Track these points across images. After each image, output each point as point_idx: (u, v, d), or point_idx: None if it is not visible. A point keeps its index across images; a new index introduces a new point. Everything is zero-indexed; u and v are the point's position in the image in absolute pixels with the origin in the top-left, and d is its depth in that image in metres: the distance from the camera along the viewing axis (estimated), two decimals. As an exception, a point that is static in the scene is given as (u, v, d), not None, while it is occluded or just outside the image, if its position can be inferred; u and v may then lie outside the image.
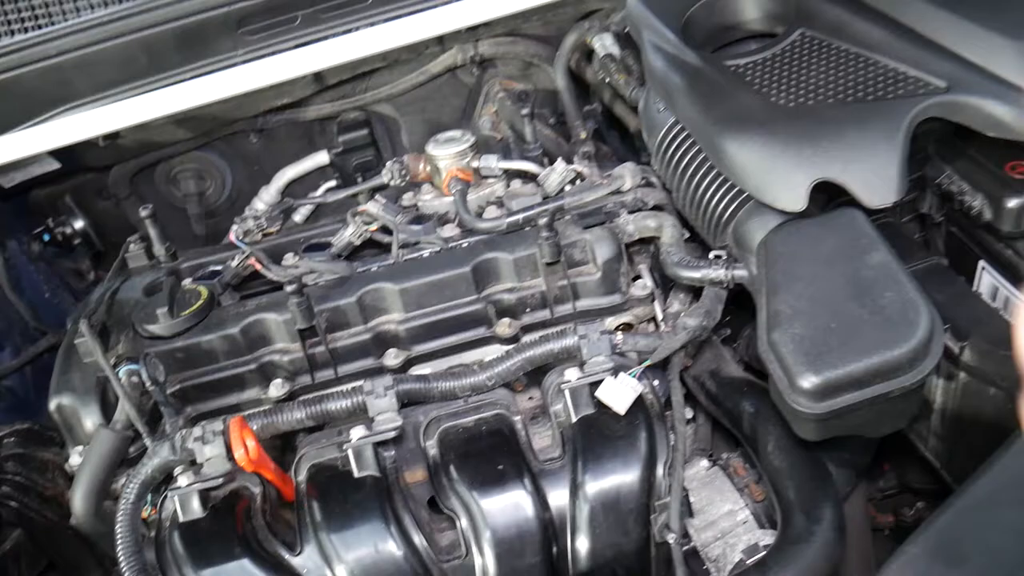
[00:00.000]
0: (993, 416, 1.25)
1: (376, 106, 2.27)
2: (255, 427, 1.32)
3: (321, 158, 2.28)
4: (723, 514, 1.40)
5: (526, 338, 1.47)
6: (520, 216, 1.53)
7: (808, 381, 1.12)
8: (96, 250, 2.13)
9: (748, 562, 1.30)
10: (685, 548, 1.31)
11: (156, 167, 2.24)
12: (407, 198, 1.76)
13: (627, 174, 1.58)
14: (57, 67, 1.86)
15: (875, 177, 1.25)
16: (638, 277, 1.58)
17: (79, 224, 2.07)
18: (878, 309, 1.16)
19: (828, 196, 1.32)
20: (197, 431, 1.29)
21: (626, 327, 1.52)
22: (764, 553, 1.25)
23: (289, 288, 1.41)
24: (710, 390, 1.49)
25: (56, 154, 1.95)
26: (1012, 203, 1.29)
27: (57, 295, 1.96)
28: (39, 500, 1.45)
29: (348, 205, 1.80)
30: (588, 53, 2.09)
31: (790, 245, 1.26)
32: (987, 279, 1.38)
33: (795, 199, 1.27)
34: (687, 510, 1.30)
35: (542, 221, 1.44)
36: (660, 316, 1.55)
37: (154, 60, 1.90)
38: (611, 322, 1.51)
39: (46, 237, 1.98)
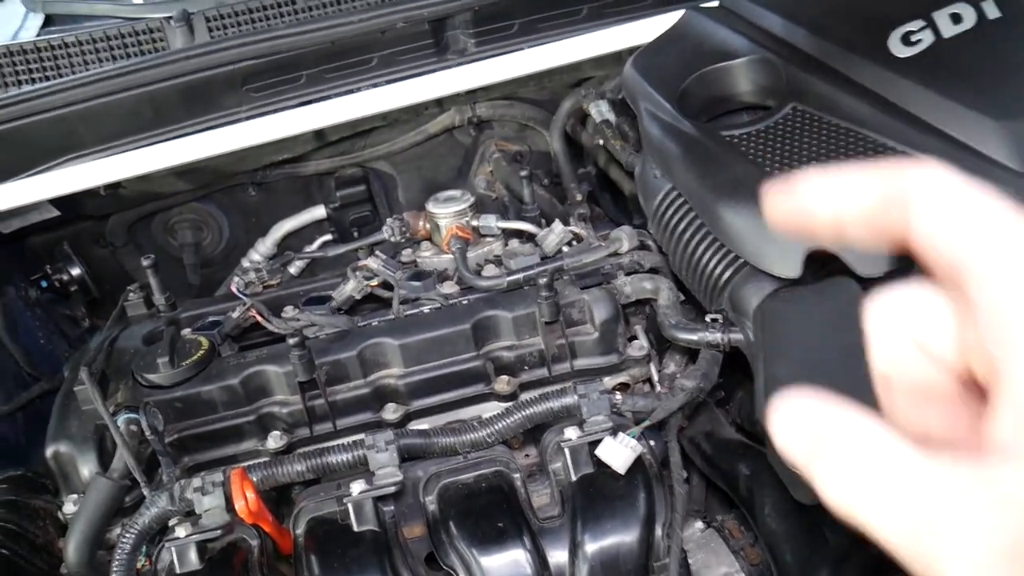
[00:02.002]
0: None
1: (374, 163, 2.33)
2: (255, 479, 1.32)
3: (318, 212, 2.31)
4: (718, 576, 1.41)
5: (525, 396, 1.49)
6: (520, 275, 1.57)
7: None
8: (92, 297, 2.13)
9: (743, 624, 1.31)
10: (681, 609, 1.32)
11: (154, 217, 2.26)
12: (406, 254, 1.79)
13: (624, 237, 1.63)
14: (62, 118, 1.89)
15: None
16: (634, 337, 1.61)
17: (76, 271, 2.07)
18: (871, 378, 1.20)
19: (822, 263, 1.37)
20: (196, 482, 1.29)
21: (623, 387, 1.55)
22: (760, 615, 1.27)
23: (291, 341, 1.42)
24: (705, 451, 1.51)
25: (56, 202, 1.97)
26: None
27: (51, 341, 1.96)
28: (29, 548, 1.43)
29: (345, 260, 1.83)
30: (583, 118, 2.16)
31: (787, 311, 1.28)
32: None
33: (790, 266, 1.31)
34: (686, 572, 1.31)
35: (542, 281, 1.48)
36: (656, 377, 1.58)
37: (159, 114, 1.93)
38: (608, 382, 1.54)
39: (44, 284, 1.99)
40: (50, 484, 1.53)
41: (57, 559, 1.46)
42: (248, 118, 1.95)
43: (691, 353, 1.58)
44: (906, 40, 1.48)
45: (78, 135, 1.92)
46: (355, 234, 2.30)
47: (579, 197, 2.00)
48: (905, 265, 1.31)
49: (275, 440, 1.47)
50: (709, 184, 1.44)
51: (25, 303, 1.92)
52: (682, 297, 1.59)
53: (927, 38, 1.47)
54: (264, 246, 2.29)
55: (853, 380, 1.17)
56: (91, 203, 2.07)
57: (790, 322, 1.33)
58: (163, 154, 1.92)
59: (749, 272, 1.39)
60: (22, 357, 1.84)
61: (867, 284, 1.33)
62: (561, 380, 1.54)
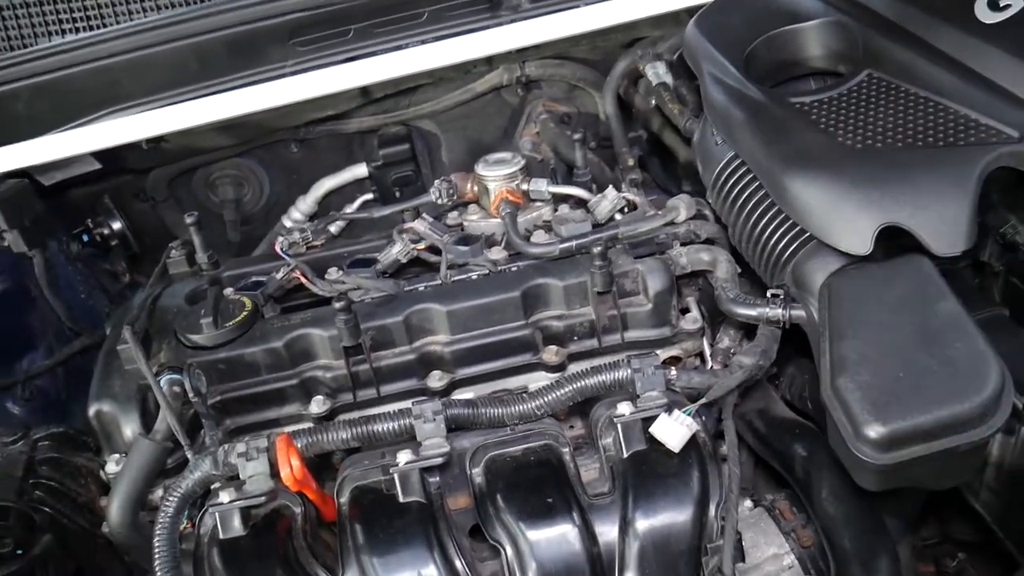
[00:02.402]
0: (1057, 473, 1.22)
1: (418, 121, 2.27)
2: (299, 445, 1.29)
3: (360, 171, 2.27)
4: (768, 558, 1.36)
5: (575, 367, 1.45)
6: (573, 243, 1.51)
7: (875, 431, 1.10)
8: (132, 252, 2.11)
9: (795, 610, 1.27)
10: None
11: (196, 172, 2.23)
12: (452, 217, 1.74)
13: (682, 205, 1.56)
14: (107, 68, 1.86)
15: (944, 224, 1.23)
16: (686, 310, 1.56)
17: (117, 225, 2.05)
18: (947, 360, 1.14)
19: (891, 241, 1.30)
20: (241, 447, 1.26)
21: (674, 360, 1.50)
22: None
23: (337, 304, 1.39)
24: (758, 430, 1.46)
25: (98, 155, 1.94)
26: (1080, 257, 1.27)
27: (92, 296, 1.95)
28: (71, 506, 1.43)
29: (389, 222, 1.79)
30: (636, 79, 2.08)
31: (856, 289, 1.24)
32: (1049, 332, 1.35)
33: (861, 242, 1.25)
34: (740, 554, 1.27)
35: (596, 250, 1.42)
36: (708, 351, 1.53)
37: (204, 66, 1.89)
38: (660, 355, 1.48)
39: (85, 238, 1.97)
40: (92, 442, 1.53)
41: (99, 518, 1.46)
42: (293, 73, 1.91)
43: (746, 328, 1.52)
44: (994, 5, 1.39)
45: (121, 87, 1.89)
46: (397, 194, 2.26)
47: (631, 162, 1.93)
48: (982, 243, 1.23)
49: (318, 405, 1.44)
50: (776, 153, 1.37)
51: (67, 257, 1.91)
52: (739, 269, 1.53)
53: (1017, 3, 1.37)
54: (305, 204, 2.26)
55: (933, 362, 1.11)
56: (133, 157, 2.04)
57: (860, 301, 1.27)
58: (207, 108, 1.88)
59: (815, 247, 1.32)
60: (63, 311, 1.82)
61: (942, 263, 1.28)
62: (611, 352, 1.49)
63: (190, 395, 1.34)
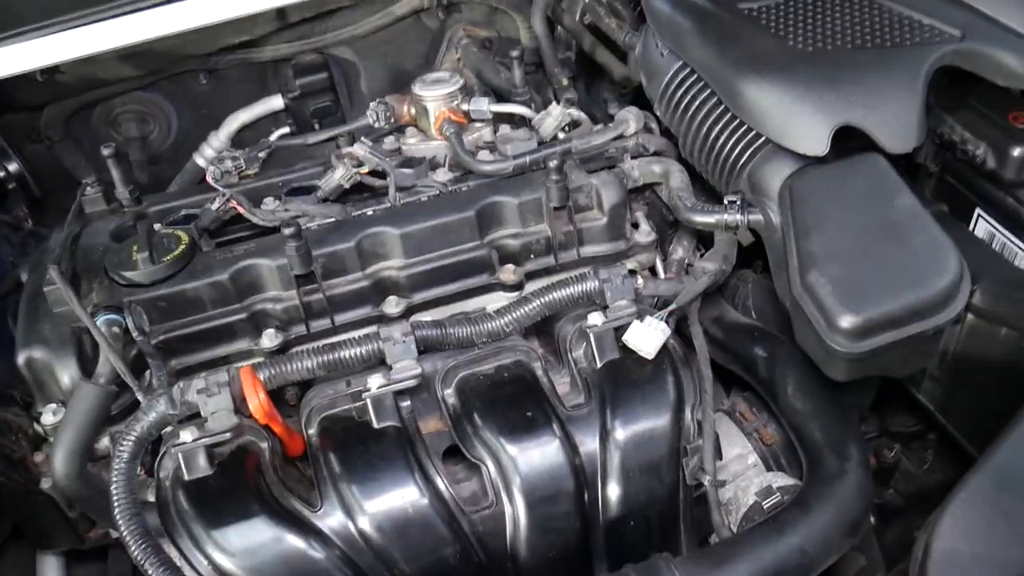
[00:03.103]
0: (1002, 357, 1.29)
1: (335, 49, 2.16)
2: (262, 377, 1.23)
3: (275, 103, 2.15)
4: (732, 458, 1.40)
5: (532, 285, 1.43)
6: (527, 158, 1.48)
7: (848, 321, 1.13)
8: (32, 196, 1.94)
9: (764, 504, 1.31)
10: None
11: (95, 107, 2.06)
12: (389, 141, 1.67)
13: (631, 118, 1.55)
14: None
15: (896, 123, 1.27)
16: (636, 225, 1.56)
17: (13, 167, 1.88)
18: (910, 251, 1.18)
19: (844, 142, 1.32)
20: (199, 383, 1.19)
21: (630, 274, 1.50)
22: (792, 492, 1.26)
23: (287, 230, 1.31)
24: (716, 336, 1.48)
25: (-13, 89, 1.77)
26: (1017, 152, 1.33)
27: (-8, 245, 1.78)
28: (5, 463, 1.31)
29: (322, 149, 1.70)
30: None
31: (817, 188, 1.26)
32: (983, 226, 1.42)
33: (817, 143, 1.27)
34: (718, 452, 1.30)
35: (552, 163, 1.39)
36: (660, 265, 1.54)
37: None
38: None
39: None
40: (18, 396, 1.41)
41: (34, 474, 1.36)
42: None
43: (700, 237, 1.54)
44: (930, -96, 1.42)
45: (8, 8, 1.71)
46: (316, 126, 2.16)
47: (565, 81, 1.90)
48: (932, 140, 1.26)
49: (270, 338, 1.37)
50: (729, 59, 1.37)
51: (-46, 206, 1.73)
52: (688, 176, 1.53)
53: (951, -98, 1.41)
54: (217, 140, 2.12)
55: (897, 252, 1.14)
56: (24, 90, 1.87)
57: (822, 199, 1.29)
58: (106, 33, 1.72)
59: (771, 150, 1.34)
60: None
61: (895, 160, 1.31)
62: (568, 268, 1.48)
63: (133, 334, 1.25)
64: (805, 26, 1.38)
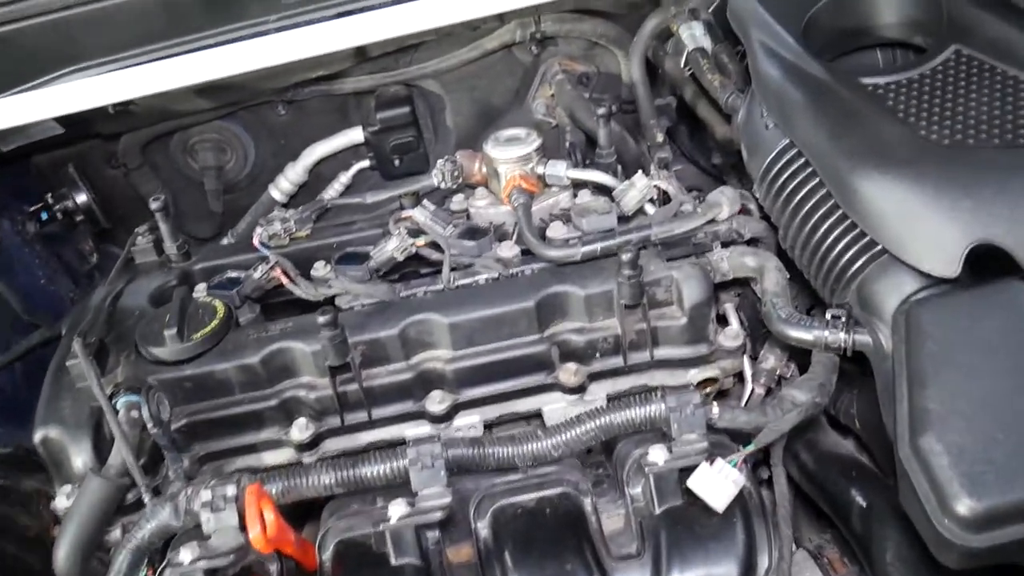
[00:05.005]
0: None
1: (420, 81, 2.03)
2: (274, 492, 1.11)
3: (355, 135, 2.03)
4: (815, 616, 1.19)
5: (596, 387, 1.26)
6: (598, 245, 1.30)
7: (967, 507, 0.90)
8: (100, 228, 1.90)
9: None
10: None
11: (172, 135, 2.01)
12: (457, 201, 1.52)
13: (724, 201, 1.34)
14: (64, 22, 1.61)
15: (1050, 244, 1.02)
16: (724, 319, 1.36)
17: (82, 198, 1.83)
18: (1056, 419, 0.94)
19: (981, 262, 1.08)
20: (206, 494, 1.07)
21: (710, 382, 1.30)
22: None
23: (321, 319, 1.18)
24: (806, 464, 1.27)
25: (60, 119, 1.72)
26: None
27: (54, 280, 1.74)
28: (19, 543, 1.25)
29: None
30: (666, 38, 1.83)
31: (942, 323, 1.03)
32: None
33: (947, 262, 1.04)
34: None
35: (624, 256, 1.21)
36: (749, 372, 1.33)
37: (175, 21, 1.65)
38: (694, 375, 1.29)
39: (44, 216, 1.75)
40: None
41: (51, 550, 1.28)
42: (279, 30, 1.66)
43: (794, 347, 1.32)
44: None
45: (81, 43, 1.65)
46: (396, 162, 2.04)
47: (660, 137, 1.70)
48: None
49: (300, 430, 1.25)
50: (844, 146, 1.15)
51: (23, 239, 1.69)
52: (787, 275, 1.32)
53: None
54: (294, 172, 2.03)
55: None
56: (100, 121, 1.82)
57: (947, 338, 1.05)
58: (179, 70, 1.64)
59: (888, 262, 1.11)
60: (19, 302, 1.62)
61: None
62: (638, 371, 1.30)
63: (148, 424, 1.15)
64: (942, 111, 1.14)
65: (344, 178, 2.00)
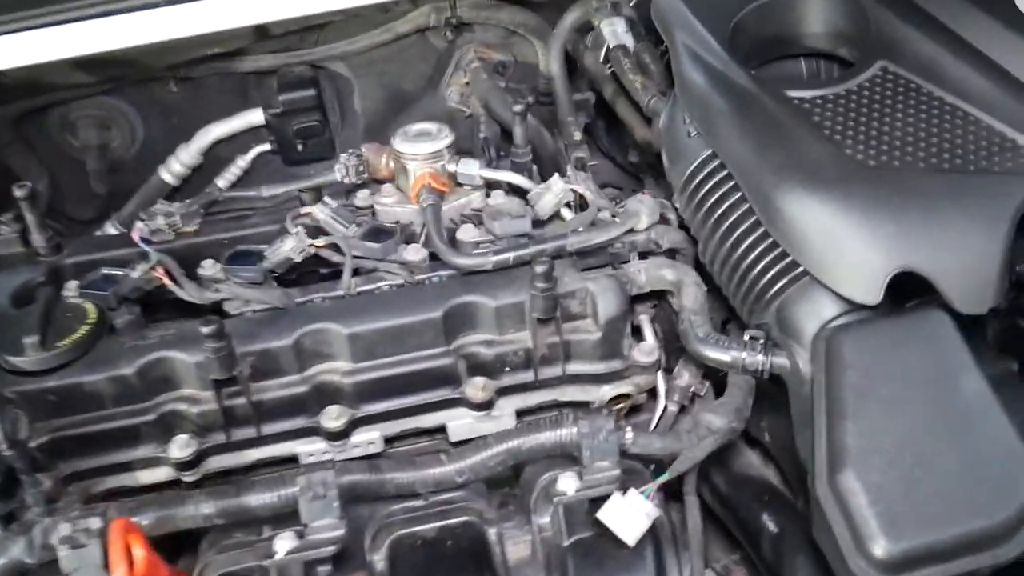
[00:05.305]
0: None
1: (327, 63, 1.91)
2: (145, 523, 1.00)
3: (255, 117, 1.89)
4: (722, 644, 1.16)
5: (504, 403, 1.18)
6: (511, 255, 1.22)
7: (883, 549, 0.88)
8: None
9: None
10: None
11: (49, 110, 1.83)
12: (362, 197, 1.42)
13: (643, 211, 1.28)
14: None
15: (971, 276, 1.00)
16: (637, 330, 1.31)
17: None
18: (973, 457, 0.92)
19: (901, 286, 1.05)
20: (65, 527, 0.96)
21: (622, 398, 1.24)
22: None
23: (205, 329, 1.07)
24: (718, 488, 1.24)
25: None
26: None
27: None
28: None
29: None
30: (586, 31, 1.76)
31: (863, 353, 0.99)
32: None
33: (869, 289, 1.01)
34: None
35: (539, 268, 1.14)
36: (663, 388, 1.28)
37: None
38: (607, 391, 1.23)
39: None
40: None
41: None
42: (169, 3, 1.52)
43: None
44: (1042, -9, 1.14)
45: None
46: (299, 147, 1.92)
47: (577, 135, 1.63)
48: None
49: (180, 447, 1.14)
50: (770, 161, 1.10)
51: None
52: (705, 288, 1.27)
53: (1071, -8, 1.12)
54: (187, 153, 1.88)
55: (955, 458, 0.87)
56: (-40, 91, 1.64)
57: (867, 369, 1.02)
58: (53, 42, 1.48)
59: (809, 284, 1.07)
60: None
61: (964, 321, 1.04)
62: (549, 386, 1.23)
63: (1, 445, 1.02)
64: (868, 129, 1.10)
65: (242, 162, 1.86)
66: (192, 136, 1.87)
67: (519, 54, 1.97)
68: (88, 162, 1.88)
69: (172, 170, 1.88)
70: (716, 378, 1.27)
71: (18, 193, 1.30)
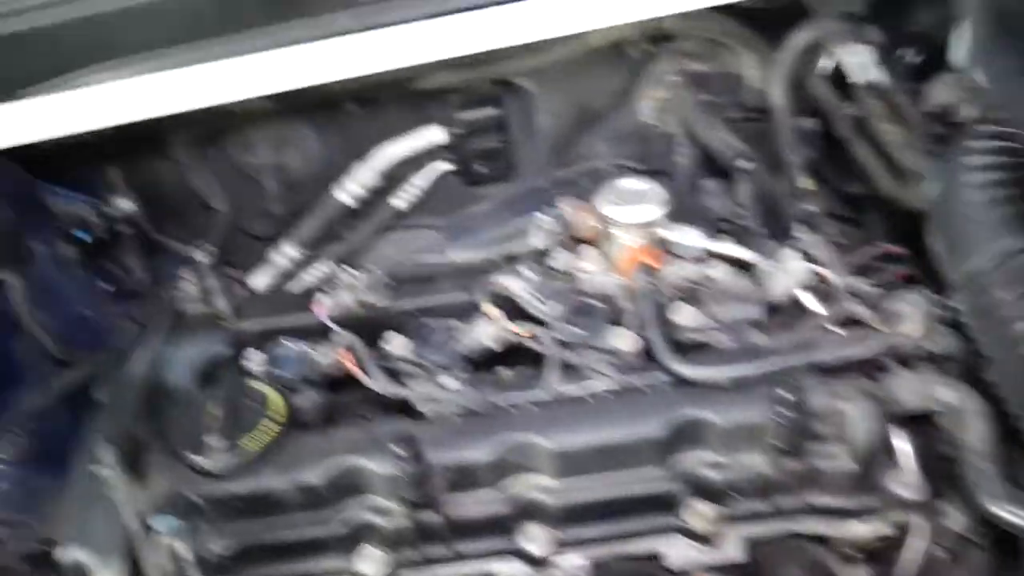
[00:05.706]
0: None
1: (511, 76, 1.75)
2: None
3: (434, 135, 1.78)
4: None
5: (730, 533, 1.01)
6: (750, 369, 1.03)
7: None
8: (148, 238, 1.68)
9: None
10: None
11: (229, 130, 1.77)
12: (562, 260, 1.26)
13: (910, 314, 1.05)
14: (99, 19, 1.35)
15: None
16: (890, 452, 1.09)
17: (126, 206, 1.61)
18: None
19: None
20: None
21: (883, 541, 1.04)
22: None
23: (396, 448, 0.95)
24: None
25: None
26: None
27: (95, 306, 1.53)
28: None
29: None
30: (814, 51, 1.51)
31: None
32: None
33: None
34: None
35: (784, 394, 0.94)
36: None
37: (227, 16, 1.38)
38: (860, 529, 1.04)
39: (80, 235, 1.52)
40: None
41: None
42: (352, 31, 1.39)
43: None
44: None
45: (116, 41, 1.39)
46: (480, 167, 1.79)
47: (808, 183, 1.40)
48: None
49: (370, 564, 1.04)
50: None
51: (59, 263, 1.47)
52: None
53: None
54: (364, 174, 1.79)
55: None
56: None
57: None
58: (229, 77, 1.39)
59: None
60: (51, 338, 1.40)
61: None
62: (785, 517, 1.05)
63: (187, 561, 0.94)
64: None
65: (420, 182, 1.77)
66: (368, 155, 1.78)
67: (720, 64, 1.74)
68: (265, 181, 1.82)
69: (348, 190, 1.80)
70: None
71: (199, 256, 1.21)
